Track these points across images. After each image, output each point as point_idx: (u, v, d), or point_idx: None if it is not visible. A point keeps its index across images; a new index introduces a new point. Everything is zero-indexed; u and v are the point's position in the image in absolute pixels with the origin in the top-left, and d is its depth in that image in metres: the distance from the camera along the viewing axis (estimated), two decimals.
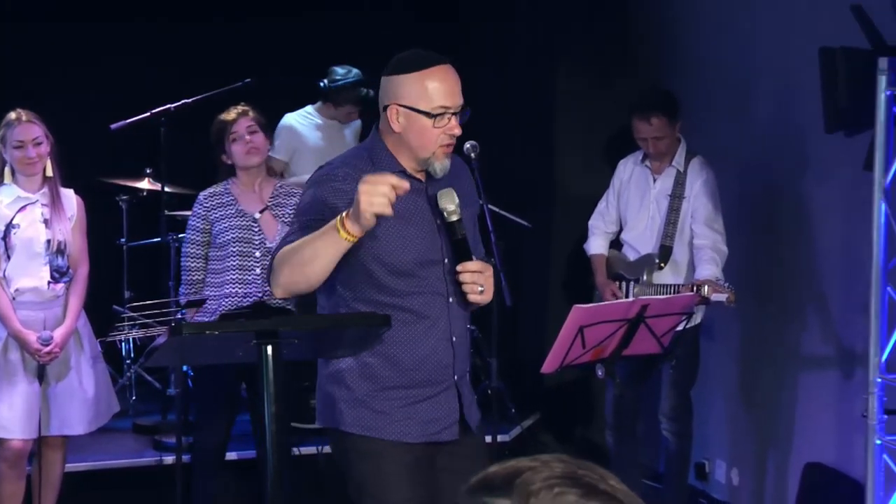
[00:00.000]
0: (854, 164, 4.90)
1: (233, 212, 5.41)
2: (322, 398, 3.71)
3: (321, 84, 7.03)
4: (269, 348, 3.25)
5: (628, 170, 5.91)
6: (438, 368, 3.60)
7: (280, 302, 5.40)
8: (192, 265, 5.47)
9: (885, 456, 4.68)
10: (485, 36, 7.77)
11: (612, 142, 6.64)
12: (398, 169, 3.52)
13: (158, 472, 6.18)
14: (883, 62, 4.51)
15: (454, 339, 3.62)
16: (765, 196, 6.03)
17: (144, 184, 7.21)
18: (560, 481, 1.42)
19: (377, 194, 3.25)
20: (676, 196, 5.69)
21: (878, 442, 4.67)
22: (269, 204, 5.45)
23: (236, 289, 5.36)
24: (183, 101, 6.42)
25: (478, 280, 3.50)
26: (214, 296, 5.38)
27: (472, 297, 3.53)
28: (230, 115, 5.48)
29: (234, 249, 5.37)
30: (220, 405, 5.49)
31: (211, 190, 5.50)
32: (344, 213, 3.32)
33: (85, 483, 6.05)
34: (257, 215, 5.41)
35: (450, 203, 3.48)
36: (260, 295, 5.36)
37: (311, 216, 3.49)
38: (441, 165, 3.52)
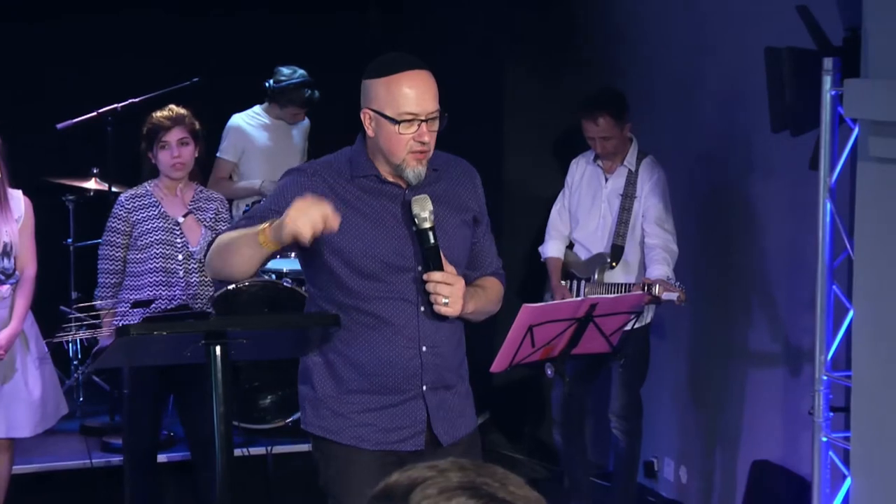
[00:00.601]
0: (800, 163, 4.94)
1: (155, 213, 5.37)
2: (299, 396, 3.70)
3: (266, 84, 7.00)
4: (218, 349, 3.24)
5: (580, 169, 5.91)
6: (403, 377, 3.51)
7: (201, 306, 5.38)
8: (111, 267, 5.42)
9: (831, 453, 4.72)
10: (431, 35, 7.76)
11: (562, 141, 6.65)
12: (373, 173, 3.49)
13: (106, 474, 6.13)
14: (828, 62, 4.54)
15: (424, 348, 3.52)
16: (712, 195, 6.06)
17: (91, 183, 7.15)
18: (457, 492, 1.39)
19: (305, 216, 3.21)
20: (628, 196, 5.71)
21: (825, 439, 4.71)
22: (191, 208, 5.42)
23: (159, 291, 5.33)
24: (130, 101, 6.37)
25: (441, 291, 3.43)
26: (134, 298, 5.35)
27: (437, 308, 3.45)
28: (164, 120, 5.36)
29: (157, 252, 5.33)
30: (147, 408, 5.41)
31: (132, 192, 5.44)
32: (270, 222, 3.31)
33: (32, 485, 6.00)
34: (181, 219, 5.38)
35: (421, 210, 3.40)
36: (183, 298, 5.35)
37: (265, 206, 3.50)
38: (414, 173, 3.44)
